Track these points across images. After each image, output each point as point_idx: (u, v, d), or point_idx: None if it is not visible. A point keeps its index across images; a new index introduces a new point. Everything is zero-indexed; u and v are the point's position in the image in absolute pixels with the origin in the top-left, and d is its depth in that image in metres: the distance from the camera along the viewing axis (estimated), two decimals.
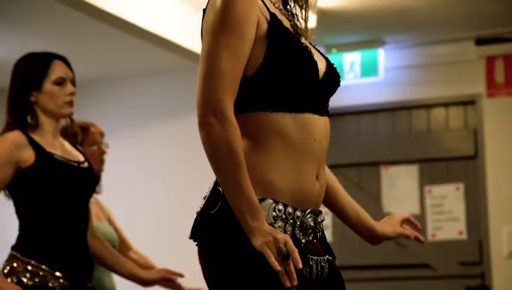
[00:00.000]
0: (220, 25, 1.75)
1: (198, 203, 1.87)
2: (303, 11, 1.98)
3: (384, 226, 2.14)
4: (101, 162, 3.72)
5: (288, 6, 1.98)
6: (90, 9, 4.83)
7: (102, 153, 3.74)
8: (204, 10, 1.84)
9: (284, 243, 1.66)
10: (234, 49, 1.72)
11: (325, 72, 1.90)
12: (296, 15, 1.98)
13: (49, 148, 2.95)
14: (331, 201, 2.10)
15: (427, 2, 5.43)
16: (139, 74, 6.84)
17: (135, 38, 5.47)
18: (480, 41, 6.02)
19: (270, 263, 1.66)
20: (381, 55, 6.24)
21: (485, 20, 5.78)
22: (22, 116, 2.96)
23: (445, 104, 6.25)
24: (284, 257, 1.65)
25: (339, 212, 2.13)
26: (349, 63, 6.25)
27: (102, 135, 3.79)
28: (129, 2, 5.05)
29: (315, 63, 1.85)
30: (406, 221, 2.19)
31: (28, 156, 2.89)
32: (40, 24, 5.62)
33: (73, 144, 3.21)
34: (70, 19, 5.33)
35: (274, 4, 1.91)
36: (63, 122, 3.13)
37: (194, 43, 5.54)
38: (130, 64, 6.64)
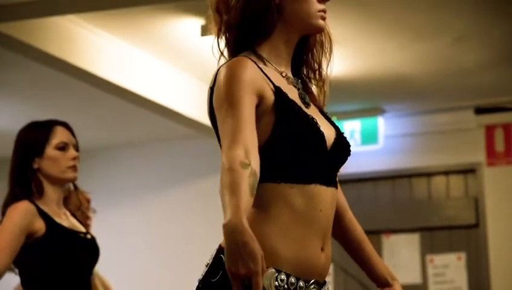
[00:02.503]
0: (221, 106, 1.79)
1: (200, 270, 1.86)
2: (317, 76, 2.00)
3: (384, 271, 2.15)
4: (87, 227, 3.71)
5: (302, 75, 2.00)
6: (95, 80, 4.89)
7: (87, 218, 3.74)
8: (211, 88, 1.86)
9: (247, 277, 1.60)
10: (237, 123, 1.75)
11: (334, 142, 1.90)
12: (310, 81, 2.00)
13: (57, 219, 2.94)
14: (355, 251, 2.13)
15: (426, 71, 5.49)
16: (142, 143, 6.88)
17: (138, 108, 5.53)
18: (479, 111, 6.07)
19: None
20: (381, 124, 6.27)
21: (484, 90, 5.84)
22: (26, 185, 2.95)
23: (446, 173, 6.26)
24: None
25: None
26: (349, 131, 6.29)
27: (88, 201, 3.80)
28: (132, 72, 5.11)
29: (322, 135, 1.85)
30: None
31: (39, 226, 2.88)
32: (45, 94, 5.68)
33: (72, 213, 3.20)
34: (76, 88, 5.39)
35: (281, 73, 1.93)
36: (67, 192, 3.13)
37: (198, 113, 5.59)
38: (134, 134, 6.68)
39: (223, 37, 1.93)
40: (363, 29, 4.79)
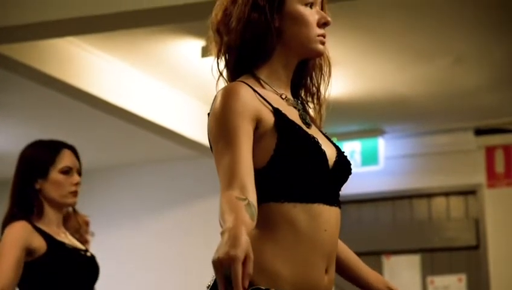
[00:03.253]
0: (218, 141, 1.80)
1: None
2: (314, 100, 2.00)
3: (376, 280, 2.13)
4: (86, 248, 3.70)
5: (300, 97, 2.00)
6: (95, 101, 4.89)
7: (86, 241, 3.73)
8: (209, 114, 1.87)
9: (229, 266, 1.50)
10: (233, 153, 1.76)
11: (335, 161, 1.90)
12: (307, 103, 2.00)
13: (57, 237, 2.94)
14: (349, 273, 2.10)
15: (426, 93, 5.50)
16: (142, 164, 6.88)
17: (138, 128, 5.53)
18: (479, 132, 6.07)
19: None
20: (382, 144, 6.27)
21: (484, 111, 5.85)
22: (27, 204, 2.94)
23: (446, 194, 6.26)
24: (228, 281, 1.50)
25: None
26: (349, 151, 6.29)
27: (87, 224, 3.79)
28: (132, 93, 5.12)
29: (324, 154, 1.85)
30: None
31: (39, 244, 2.87)
32: (44, 115, 5.69)
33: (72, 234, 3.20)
34: (76, 109, 5.39)
35: (281, 95, 1.93)
36: (65, 214, 3.12)
37: (198, 134, 5.59)
38: (133, 154, 6.69)
39: (223, 58, 1.93)
40: (363, 51, 4.81)
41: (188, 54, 4.75)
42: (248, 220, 1.62)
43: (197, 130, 5.57)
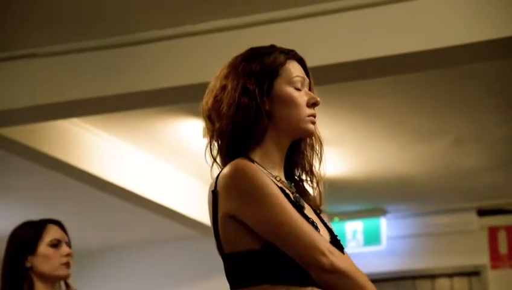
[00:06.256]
0: (260, 198, 1.78)
1: None
2: (313, 179, 2.00)
3: None
4: None
5: (296, 177, 2.00)
6: (97, 181, 4.90)
7: None
8: (213, 192, 1.85)
9: None
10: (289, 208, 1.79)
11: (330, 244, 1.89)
12: (302, 181, 2.00)
13: None
14: None
15: (427, 173, 5.50)
16: (144, 243, 6.85)
17: (140, 208, 5.53)
18: (482, 212, 6.05)
19: None
20: (384, 224, 6.24)
21: (486, 191, 5.83)
22: (17, 284, 2.92)
23: (450, 275, 6.19)
24: None
25: None
26: (351, 231, 6.24)
27: None
28: (134, 173, 5.13)
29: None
30: None
31: None
32: (47, 197, 5.70)
33: None
34: (78, 190, 5.39)
35: (275, 178, 1.93)
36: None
37: (199, 213, 5.58)
38: (135, 234, 6.66)
39: (215, 145, 1.94)
40: (363, 131, 4.83)
41: (188, 134, 4.78)
42: None
43: (198, 209, 5.56)
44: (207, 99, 1.94)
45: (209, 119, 1.94)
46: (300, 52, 1.99)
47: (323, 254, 1.75)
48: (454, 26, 3.36)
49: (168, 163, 5.36)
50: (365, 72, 3.64)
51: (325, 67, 3.52)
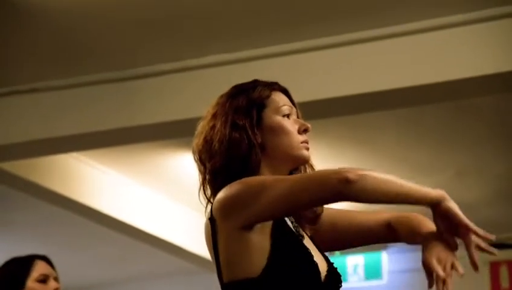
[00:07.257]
0: (262, 184, 1.78)
1: None
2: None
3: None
4: None
5: None
6: (97, 215, 4.90)
7: None
8: (210, 219, 1.83)
9: None
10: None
11: (326, 275, 1.87)
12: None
13: None
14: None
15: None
16: (143, 278, 6.81)
17: (140, 243, 5.50)
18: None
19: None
20: (385, 258, 6.20)
21: (486, 225, 5.71)
22: None
23: None
24: None
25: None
26: (352, 265, 6.20)
27: None
28: (134, 207, 5.12)
29: (317, 267, 1.82)
30: None
31: None
32: (48, 232, 5.69)
33: None
34: (79, 225, 5.38)
35: None
36: None
37: (199, 247, 5.55)
38: (134, 269, 6.63)
39: (208, 186, 1.92)
40: (362, 163, 4.82)
41: (188, 167, 4.77)
42: None
43: (198, 243, 5.53)
44: (197, 141, 1.93)
45: (200, 161, 1.93)
46: (294, 86, 1.99)
47: (337, 172, 1.70)
48: (456, 60, 3.37)
49: (167, 196, 5.35)
50: (367, 105, 3.64)
51: (325, 101, 3.53)
